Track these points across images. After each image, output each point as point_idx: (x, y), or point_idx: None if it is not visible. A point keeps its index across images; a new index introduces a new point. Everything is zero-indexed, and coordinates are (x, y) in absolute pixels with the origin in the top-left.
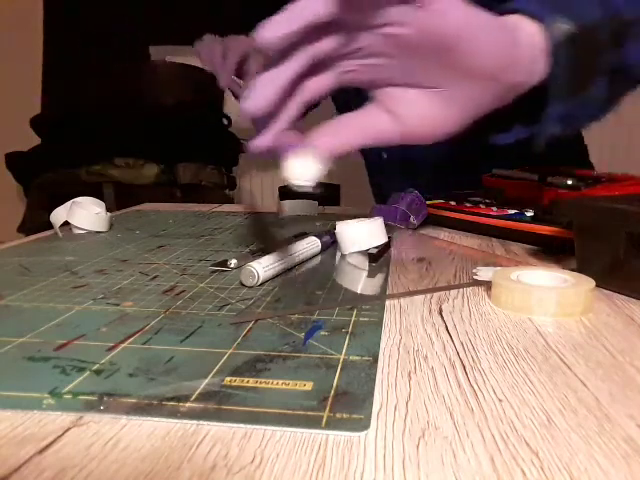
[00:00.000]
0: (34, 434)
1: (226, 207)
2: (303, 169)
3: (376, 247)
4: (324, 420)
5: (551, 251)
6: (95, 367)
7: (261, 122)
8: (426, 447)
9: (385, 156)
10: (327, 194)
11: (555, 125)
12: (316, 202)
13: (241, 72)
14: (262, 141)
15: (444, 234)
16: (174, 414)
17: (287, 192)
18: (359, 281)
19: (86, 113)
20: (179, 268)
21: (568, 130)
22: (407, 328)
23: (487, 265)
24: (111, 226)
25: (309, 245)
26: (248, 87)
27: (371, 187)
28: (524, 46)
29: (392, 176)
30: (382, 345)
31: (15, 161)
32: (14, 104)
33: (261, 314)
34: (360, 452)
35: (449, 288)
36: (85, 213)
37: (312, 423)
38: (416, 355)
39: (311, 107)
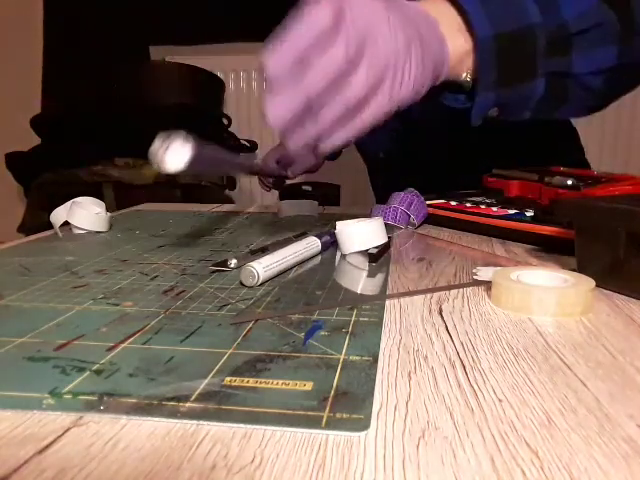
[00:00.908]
0: (34, 434)
1: (226, 207)
2: (175, 155)
3: (376, 247)
4: (324, 420)
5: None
6: (95, 367)
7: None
8: (426, 447)
9: (382, 156)
10: (327, 194)
11: (491, 108)
12: (316, 202)
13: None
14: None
15: (444, 234)
16: (174, 414)
17: (287, 192)
18: (359, 281)
19: (86, 113)
20: (179, 268)
21: (505, 115)
22: (407, 328)
23: (487, 265)
24: (111, 226)
25: (309, 245)
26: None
27: (372, 187)
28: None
29: (390, 176)
30: (382, 345)
31: (15, 161)
32: (14, 104)
33: (261, 314)
34: (360, 452)
35: (449, 288)
36: (85, 213)
37: (312, 423)
38: (416, 355)
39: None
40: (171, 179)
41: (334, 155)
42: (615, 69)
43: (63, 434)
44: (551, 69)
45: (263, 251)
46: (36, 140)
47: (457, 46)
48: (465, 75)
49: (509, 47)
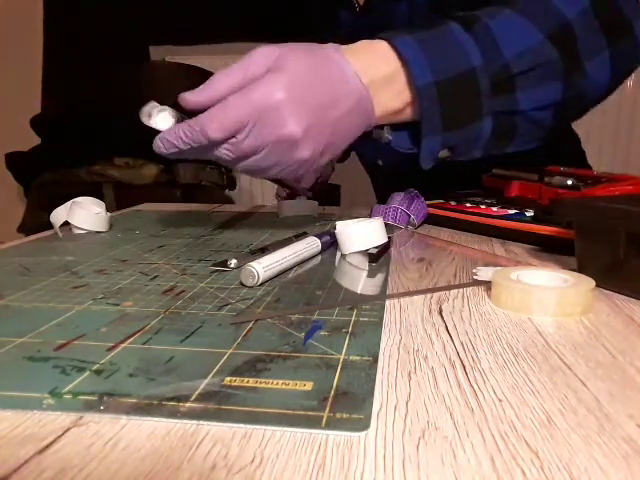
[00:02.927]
0: (34, 434)
1: (226, 207)
2: (162, 120)
3: (376, 247)
4: (324, 420)
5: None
6: (95, 367)
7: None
8: (426, 447)
9: (381, 163)
10: (327, 194)
11: (439, 151)
12: (316, 202)
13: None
14: None
15: (444, 234)
16: (174, 414)
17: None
18: (359, 281)
19: (86, 113)
20: (179, 268)
21: (455, 156)
22: (407, 328)
23: (487, 265)
24: (111, 226)
25: (309, 245)
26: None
27: (375, 192)
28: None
29: (390, 182)
30: (382, 345)
31: (15, 161)
32: (14, 104)
33: (261, 314)
34: (360, 452)
35: (449, 288)
36: (85, 213)
37: (312, 423)
38: (416, 355)
39: None
40: (171, 179)
41: (342, 158)
42: (561, 103)
43: (63, 434)
44: (497, 108)
45: (263, 251)
46: (36, 140)
47: (388, 98)
48: (386, 131)
49: (451, 92)
